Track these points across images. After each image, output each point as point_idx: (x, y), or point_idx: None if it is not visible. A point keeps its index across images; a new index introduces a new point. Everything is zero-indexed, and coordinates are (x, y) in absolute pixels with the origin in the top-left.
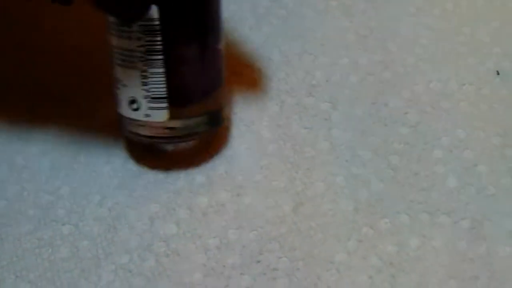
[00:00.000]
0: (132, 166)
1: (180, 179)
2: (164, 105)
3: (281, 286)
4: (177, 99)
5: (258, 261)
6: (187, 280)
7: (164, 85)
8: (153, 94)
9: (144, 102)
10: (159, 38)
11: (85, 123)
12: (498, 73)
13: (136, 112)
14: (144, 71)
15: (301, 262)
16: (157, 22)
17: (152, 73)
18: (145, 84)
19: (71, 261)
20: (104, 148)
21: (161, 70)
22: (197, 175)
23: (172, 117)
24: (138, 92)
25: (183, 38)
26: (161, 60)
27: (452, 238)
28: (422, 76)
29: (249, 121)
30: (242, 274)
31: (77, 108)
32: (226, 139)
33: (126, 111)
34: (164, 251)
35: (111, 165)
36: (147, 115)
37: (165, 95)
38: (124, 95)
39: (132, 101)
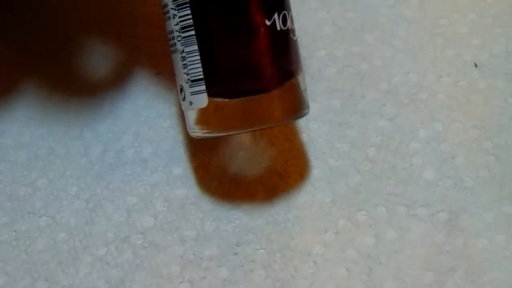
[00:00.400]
0: (109, 159)
1: (158, 171)
2: (202, 88)
3: (258, 278)
4: (213, 82)
5: (235, 253)
6: (164, 272)
7: (200, 65)
8: (192, 77)
9: (187, 87)
10: (188, 12)
11: (61, 115)
12: (476, 65)
13: (184, 102)
14: (182, 51)
15: (278, 254)
16: None
17: (188, 52)
18: (185, 66)
19: (48, 253)
20: (81, 140)
21: (195, 47)
22: (174, 168)
23: None
24: (181, 77)
25: (214, 11)
26: (193, 37)
27: (429, 231)
28: (400, 68)
29: None
30: (220, 266)
31: (53, 100)
32: None
33: (182, 104)
34: (142, 243)
35: (88, 157)
36: (191, 103)
37: (201, 76)
38: (177, 87)
39: (181, 90)
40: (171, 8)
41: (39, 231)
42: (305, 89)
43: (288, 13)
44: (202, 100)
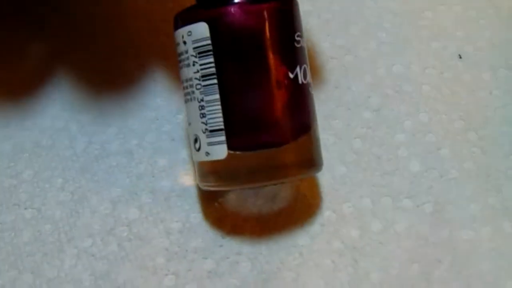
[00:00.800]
0: (94, 150)
1: (143, 163)
2: (222, 138)
3: (244, 270)
4: (232, 134)
5: (221, 245)
6: (149, 264)
7: (220, 114)
8: (210, 127)
9: (203, 137)
10: (211, 60)
11: (48, 108)
12: (460, 57)
13: (199, 152)
14: (201, 100)
15: (264, 246)
16: (208, 41)
17: (208, 101)
18: (203, 115)
19: (34, 245)
20: (66, 132)
21: (216, 96)
22: (160, 159)
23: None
24: (198, 126)
25: (238, 60)
26: (215, 85)
27: (414, 222)
28: (385, 60)
29: None
30: (205, 258)
31: (40, 93)
32: None
33: (194, 154)
34: (127, 235)
35: (73, 149)
36: (207, 153)
37: (222, 127)
38: (191, 136)
39: (195, 140)
40: (191, 55)
41: (24, 223)
42: (319, 141)
43: (308, 66)
44: (221, 151)
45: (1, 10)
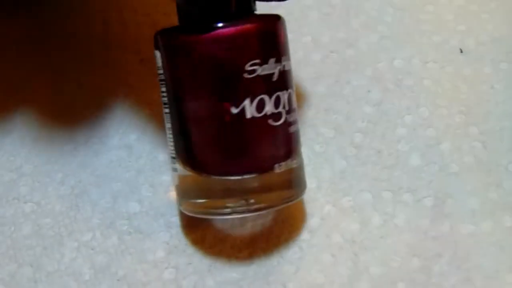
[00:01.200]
0: (94, 145)
1: (143, 157)
2: (175, 166)
3: (244, 264)
4: (193, 164)
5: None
6: (150, 258)
7: (172, 143)
8: (170, 153)
9: (170, 163)
10: (164, 89)
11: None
12: (461, 51)
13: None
14: (166, 126)
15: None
16: (161, 71)
17: (167, 128)
18: (169, 141)
19: (34, 238)
20: (66, 126)
21: (169, 125)
22: (159, 154)
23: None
24: (167, 152)
25: (186, 92)
26: (167, 115)
27: (415, 216)
28: (386, 54)
29: None
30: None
31: (40, 88)
32: None
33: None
34: (127, 229)
35: (73, 144)
36: (172, 177)
37: (173, 155)
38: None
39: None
40: (159, 79)
41: (24, 217)
42: (297, 172)
43: (271, 96)
44: (173, 178)
45: None
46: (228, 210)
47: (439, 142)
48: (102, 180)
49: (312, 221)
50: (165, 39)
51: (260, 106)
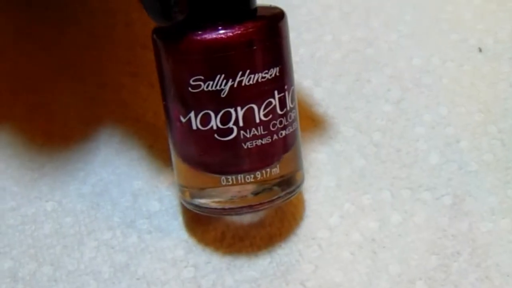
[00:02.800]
0: (115, 144)
1: (163, 157)
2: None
3: (263, 263)
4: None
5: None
6: (169, 257)
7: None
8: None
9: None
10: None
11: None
12: (480, 50)
13: None
14: None
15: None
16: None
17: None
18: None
19: (54, 237)
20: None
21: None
22: None
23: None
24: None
25: (164, 96)
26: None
27: (433, 214)
28: (405, 52)
29: None
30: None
31: (58, 87)
32: None
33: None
34: (147, 227)
35: (94, 142)
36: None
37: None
38: None
39: None
40: None
41: (45, 215)
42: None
43: (218, 113)
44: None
45: None
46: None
47: (458, 140)
48: (122, 178)
49: (332, 219)
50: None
51: (205, 121)
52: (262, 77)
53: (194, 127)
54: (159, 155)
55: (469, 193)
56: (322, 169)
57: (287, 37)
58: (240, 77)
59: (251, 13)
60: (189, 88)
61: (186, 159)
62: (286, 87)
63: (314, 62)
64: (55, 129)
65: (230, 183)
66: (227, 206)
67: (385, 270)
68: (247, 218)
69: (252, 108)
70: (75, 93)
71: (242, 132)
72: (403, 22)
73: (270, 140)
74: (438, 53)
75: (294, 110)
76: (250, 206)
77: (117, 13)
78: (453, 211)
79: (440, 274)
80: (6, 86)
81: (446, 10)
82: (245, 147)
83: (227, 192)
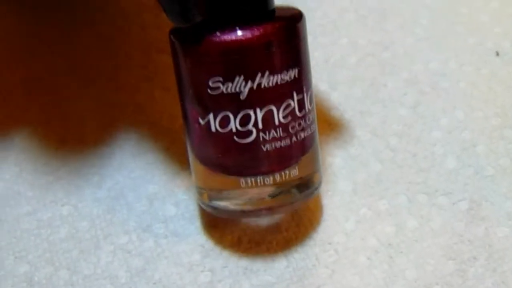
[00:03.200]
0: (130, 147)
1: (179, 160)
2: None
3: (279, 267)
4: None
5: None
6: (186, 261)
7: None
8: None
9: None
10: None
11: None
12: (497, 54)
13: None
14: None
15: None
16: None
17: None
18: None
19: (70, 241)
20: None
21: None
22: None
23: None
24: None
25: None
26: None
27: (450, 219)
28: (421, 56)
29: None
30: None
31: (73, 91)
32: None
33: None
34: (163, 232)
35: (109, 146)
36: None
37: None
38: None
39: None
40: None
41: (61, 219)
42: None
43: (237, 115)
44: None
45: None
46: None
47: (475, 144)
48: (138, 182)
49: (348, 224)
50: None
51: (224, 123)
52: (281, 79)
53: (213, 129)
54: (175, 158)
55: (485, 198)
56: (338, 174)
57: (305, 38)
58: (259, 79)
59: (270, 14)
60: (208, 90)
61: (205, 161)
62: (304, 88)
63: (329, 66)
64: (70, 133)
65: (249, 185)
66: (245, 208)
67: (402, 275)
68: (263, 222)
69: (271, 110)
70: (90, 97)
71: (261, 134)
72: (420, 25)
73: (289, 142)
74: (455, 56)
75: (312, 112)
76: (269, 209)
77: (133, 17)
78: (469, 216)
79: (456, 279)
80: (21, 90)
81: (462, 13)
82: (264, 149)
83: (245, 194)
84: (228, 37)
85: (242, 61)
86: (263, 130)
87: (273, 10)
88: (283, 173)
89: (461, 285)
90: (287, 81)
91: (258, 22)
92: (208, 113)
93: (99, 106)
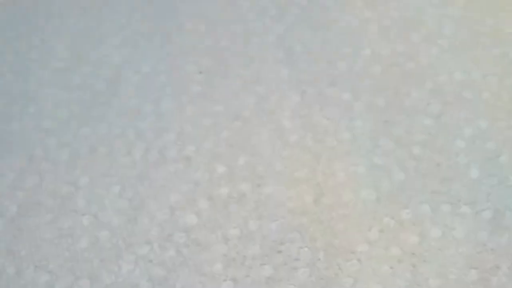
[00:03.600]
0: (152, 157)
1: (200, 169)
2: None
3: (302, 276)
4: None
5: (279, 251)
6: (207, 270)
7: None
8: None
9: None
10: None
11: (102, 111)
12: None
13: None
14: None
15: (322, 252)
16: None
17: None
18: None
19: (91, 251)
20: (124, 138)
21: None
22: (218, 166)
23: None
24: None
25: None
26: None
27: (473, 229)
28: (445, 66)
29: (270, 111)
30: (263, 264)
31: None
32: (247, 130)
33: None
34: (185, 241)
35: (131, 156)
36: None
37: None
38: None
39: None
40: None
41: (82, 229)
42: None
43: None
44: None
45: None
46: None
47: (498, 154)
48: (159, 192)
49: (371, 233)
50: None
51: None
52: None
53: None
54: (197, 168)
55: (509, 208)
56: (361, 183)
57: None
58: None
59: None
60: None
61: None
62: None
63: (353, 76)
64: (89, 142)
65: None
66: None
67: (425, 284)
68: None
69: None
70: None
71: None
72: (443, 36)
73: None
74: (478, 67)
75: None
76: None
77: None
78: (492, 225)
79: None
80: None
81: (486, 24)
82: None
83: None
84: None
85: None
86: None
87: None
88: None
89: None
90: None
91: None
92: None
93: (121, 115)
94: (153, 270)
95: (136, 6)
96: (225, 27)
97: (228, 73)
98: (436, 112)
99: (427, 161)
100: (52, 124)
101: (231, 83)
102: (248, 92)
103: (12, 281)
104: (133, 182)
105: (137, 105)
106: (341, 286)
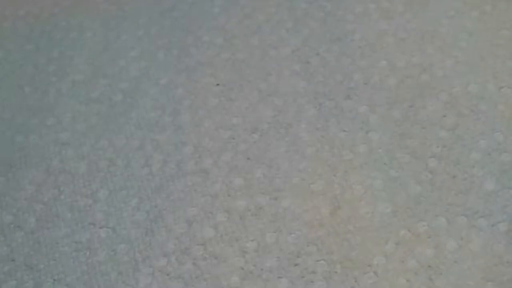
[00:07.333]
0: (169, 170)
1: (218, 182)
2: None
3: None
4: None
5: (296, 264)
6: (224, 283)
7: None
8: None
9: None
10: None
11: (120, 124)
12: None
13: None
14: None
15: (339, 265)
16: None
17: None
18: None
19: (109, 264)
20: (142, 151)
21: None
22: (235, 178)
23: None
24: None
25: None
26: None
27: (489, 241)
28: (460, 79)
29: (287, 124)
30: (280, 277)
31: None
32: (264, 142)
33: None
34: (202, 254)
35: (148, 168)
36: None
37: None
38: None
39: None
40: None
41: (100, 242)
42: None
43: None
44: None
45: None
46: None
47: None
48: (177, 205)
49: (387, 246)
50: None
51: None
52: None
53: None
54: (214, 180)
55: None
56: (377, 196)
57: None
58: None
59: None
60: None
61: None
62: None
63: (369, 88)
64: (107, 155)
65: None
66: None
67: None
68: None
69: None
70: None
71: None
72: (459, 48)
73: None
74: (494, 79)
75: None
76: None
77: None
78: (509, 237)
79: None
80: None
81: (502, 36)
82: None
83: None
84: None
85: None
86: None
87: None
88: None
89: None
90: None
91: None
92: None
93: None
94: (171, 283)
95: (154, 19)
96: (242, 40)
97: (245, 86)
98: (451, 125)
99: (443, 174)
100: (70, 137)
101: (248, 96)
102: (265, 104)
103: None
104: (151, 195)
105: (155, 118)
106: None
